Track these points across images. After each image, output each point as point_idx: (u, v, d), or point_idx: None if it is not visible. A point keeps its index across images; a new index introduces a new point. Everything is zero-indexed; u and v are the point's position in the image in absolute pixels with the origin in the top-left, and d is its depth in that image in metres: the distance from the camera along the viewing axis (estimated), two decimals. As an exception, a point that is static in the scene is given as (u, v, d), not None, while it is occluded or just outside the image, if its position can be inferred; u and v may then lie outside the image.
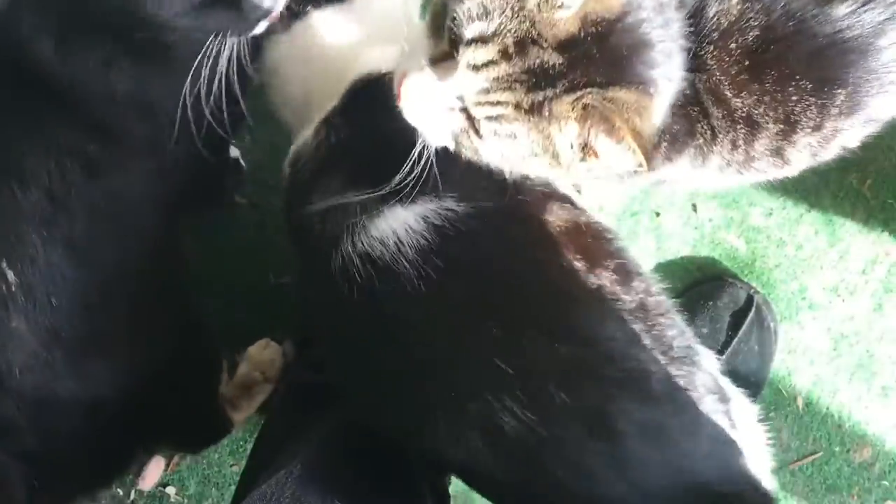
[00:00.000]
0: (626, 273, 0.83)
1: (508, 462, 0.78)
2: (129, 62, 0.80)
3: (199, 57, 0.79)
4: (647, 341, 0.80)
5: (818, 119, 0.82)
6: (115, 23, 0.76)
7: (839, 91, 0.81)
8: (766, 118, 0.82)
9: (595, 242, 0.84)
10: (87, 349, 0.83)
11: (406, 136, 0.80)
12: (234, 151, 1.17)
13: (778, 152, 0.85)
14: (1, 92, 0.78)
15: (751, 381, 1.15)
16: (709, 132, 0.84)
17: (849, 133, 0.85)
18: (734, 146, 0.85)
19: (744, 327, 1.13)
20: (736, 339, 1.13)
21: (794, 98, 0.81)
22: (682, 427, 0.79)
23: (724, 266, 1.20)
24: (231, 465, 1.23)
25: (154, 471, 1.19)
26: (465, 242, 0.81)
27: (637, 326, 0.80)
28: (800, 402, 1.20)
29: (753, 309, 1.14)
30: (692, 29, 0.80)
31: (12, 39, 0.75)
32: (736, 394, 0.86)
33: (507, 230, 0.83)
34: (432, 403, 0.80)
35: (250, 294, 1.23)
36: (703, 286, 1.17)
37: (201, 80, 0.79)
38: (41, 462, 0.84)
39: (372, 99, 0.87)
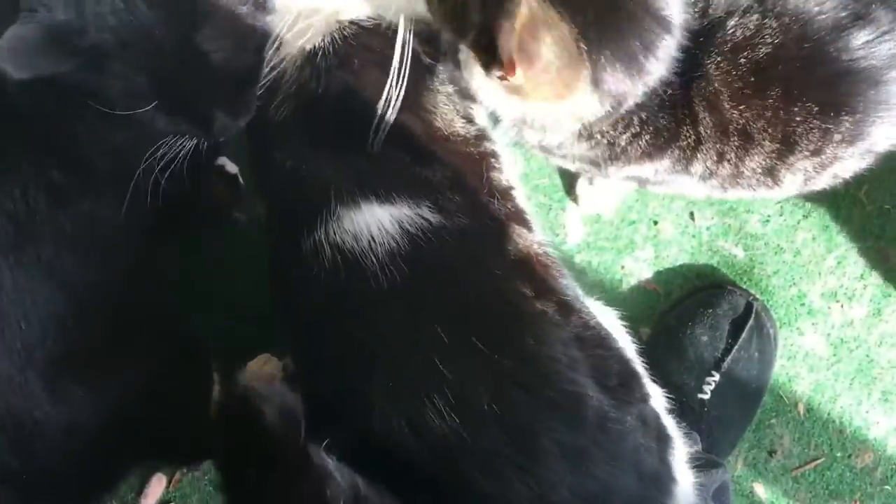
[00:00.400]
0: (567, 308, 0.86)
1: (429, 454, 0.81)
2: (92, 110, 0.82)
3: (159, 143, 0.83)
4: (586, 369, 0.83)
5: (819, 143, 0.83)
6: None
7: (846, 118, 0.82)
8: (764, 134, 0.83)
9: (543, 275, 0.88)
10: (63, 370, 0.83)
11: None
12: (232, 168, 1.17)
13: (771, 171, 0.86)
14: None
15: (751, 387, 1.15)
16: (693, 137, 0.85)
17: (846, 162, 0.86)
18: (721, 157, 0.86)
19: (743, 334, 1.13)
20: (736, 347, 1.13)
21: (797, 119, 0.82)
22: (604, 456, 0.80)
23: (722, 273, 1.20)
24: (233, 481, 1.22)
25: (156, 488, 1.18)
26: (432, 253, 0.84)
27: (577, 353, 0.83)
28: (801, 408, 1.20)
29: (753, 316, 1.14)
30: (703, 33, 0.81)
31: None
32: (677, 434, 0.88)
33: (471, 249, 0.86)
34: (372, 384, 0.83)
35: (250, 309, 1.22)
36: (702, 294, 1.17)
37: (155, 159, 0.83)
38: (25, 482, 0.84)
39: (356, 53, 0.89)
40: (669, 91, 0.84)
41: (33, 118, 0.81)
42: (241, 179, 1.19)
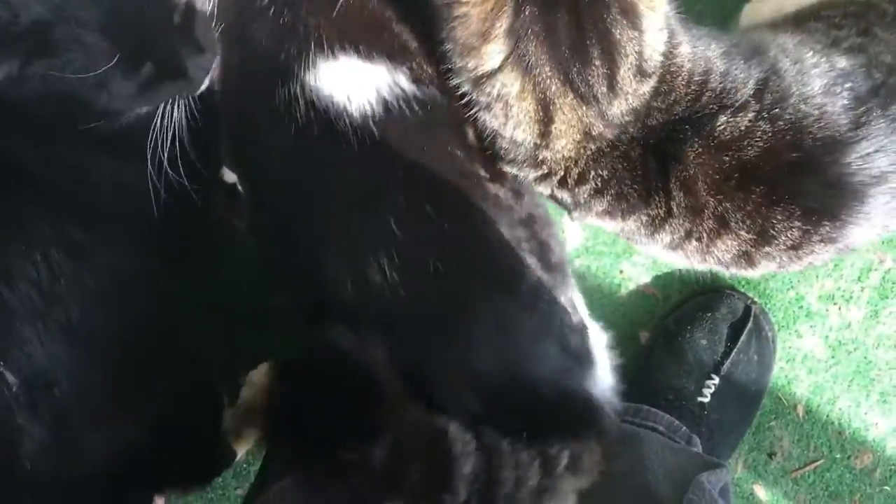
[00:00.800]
0: (518, 192, 0.90)
1: (370, 309, 0.83)
2: (96, 153, 0.82)
3: (155, 125, 0.81)
4: (529, 249, 0.87)
5: (798, 241, 0.83)
6: (73, 122, 0.78)
7: (827, 223, 0.82)
8: (741, 225, 0.83)
9: (496, 161, 0.91)
10: (93, 425, 0.84)
11: None
12: (231, 177, 1.17)
13: (746, 255, 0.86)
14: None
15: (751, 390, 1.15)
16: (664, 209, 0.85)
17: (822, 255, 0.86)
18: (689, 235, 0.86)
19: (742, 338, 1.14)
20: (735, 350, 1.14)
21: (778, 217, 0.82)
22: (533, 329, 0.85)
23: (720, 277, 1.21)
24: (235, 489, 1.23)
25: (158, 499, 1.18)
26: (402, 122, 0.86)
27: (523, 234, 0.87)
28: (800, 411, 1.21)
29: (751, 319, 1.14)
30: (690, 120, 0.81)
31: None
32: (593, 325, 0.93)
33: (437, 123, 0.89)
34: (327, 238, 0.85)
35: (250, 317, 1.23)
36: (701, 298, 1.18)
37: (160, 145, 0.82)
38: None
39: None
40: (642, 160, 0.84)
41: (46, 174, 0.81)
42: (239, 187, 1.19)
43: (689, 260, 0.90)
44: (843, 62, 0.84)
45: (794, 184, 0.81)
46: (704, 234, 0.84)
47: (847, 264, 1.20)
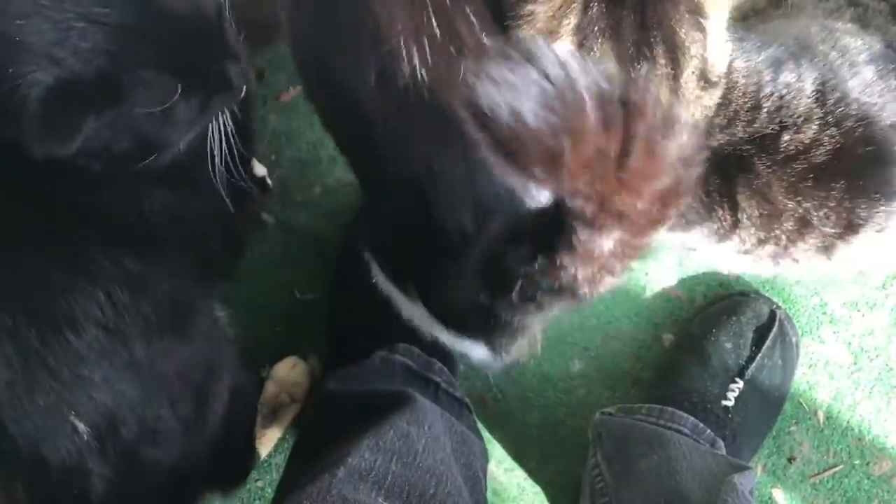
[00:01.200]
0: None
1: (386, 108, 0.79)
2: (147, 184, 0.83)
3: (211, 141, 0.82)
4: None
5: (886, 222, 0.82)
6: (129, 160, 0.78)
7: None
8: (826, 221, 0.82)
9: None
10: (157, 456, 0.84)
11: None
12: (261, 170, 1.17)
13: (827, 248, 0.85)
14: (36, 242, 0.77)
15: (774, 395, 1.16)
16: (729, 219, 0.84)
17: None
18: (762, 242, 0.85)
19: (767, 342, 1.14)
20: (760, 354, 1.14)
21: (863, 206, 0.81)
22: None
23: (745, 281, 1.21)
24: (256, 481, 1.22)
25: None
26: None
27: None
28: (820, 416, 1.21)
29: (777, 324, 1.15)
30: (752, 141, 0.80)
31: (46, 185, 0.75)
32: None
33: None
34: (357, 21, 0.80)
35: (275, 310, 1.23)
36: (726, 302, 1.18)
37: (216, 156, 0.83)
38: None
39: None
40: (701, 177, 0.82)
41: (101, 210, 0.81)
42: (269, 181, 1.20)
43: (756, 266, 0.89)
44: (876, 44, 0.84)
45: (873, 175, 0.80)
46: (784, 237, 0.83)
47: (871, 272, 1.20)
